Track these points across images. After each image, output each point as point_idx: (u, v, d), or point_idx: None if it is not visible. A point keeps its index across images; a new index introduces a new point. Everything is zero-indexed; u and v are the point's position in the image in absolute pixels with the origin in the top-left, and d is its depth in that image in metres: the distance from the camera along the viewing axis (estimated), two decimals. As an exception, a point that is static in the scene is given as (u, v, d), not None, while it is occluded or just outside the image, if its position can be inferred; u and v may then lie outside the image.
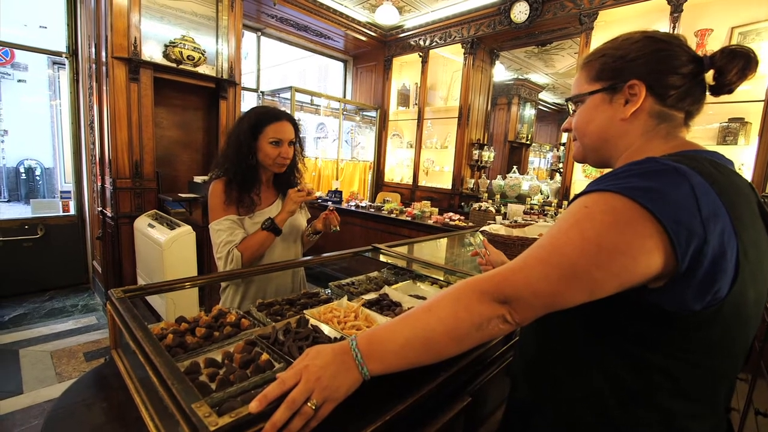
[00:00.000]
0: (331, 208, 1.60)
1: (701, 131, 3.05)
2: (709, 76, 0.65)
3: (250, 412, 0.55)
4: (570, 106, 0.76)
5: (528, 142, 6.90)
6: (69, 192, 4.00)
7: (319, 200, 4.54)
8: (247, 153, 1.44)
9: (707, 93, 0.66)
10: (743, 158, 2.87)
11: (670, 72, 0.63)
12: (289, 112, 3.38)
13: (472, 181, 4.73)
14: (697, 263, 0.50)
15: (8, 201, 7.48)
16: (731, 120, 2.91)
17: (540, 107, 7.43)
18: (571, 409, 0.64)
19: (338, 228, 1.60)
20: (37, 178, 7.60)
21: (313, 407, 0.56)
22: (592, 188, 0.56)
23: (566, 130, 0.78)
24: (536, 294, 0.55)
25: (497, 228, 1.64)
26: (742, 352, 0.60)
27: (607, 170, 0.65)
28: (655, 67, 0.63)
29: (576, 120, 0.74)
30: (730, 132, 2.91)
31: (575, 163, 3.69)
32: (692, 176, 0.51)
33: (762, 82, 2.72)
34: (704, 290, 0.51)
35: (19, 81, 7.37)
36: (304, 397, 0.56)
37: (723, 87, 0.64)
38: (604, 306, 0.55)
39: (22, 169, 7.39)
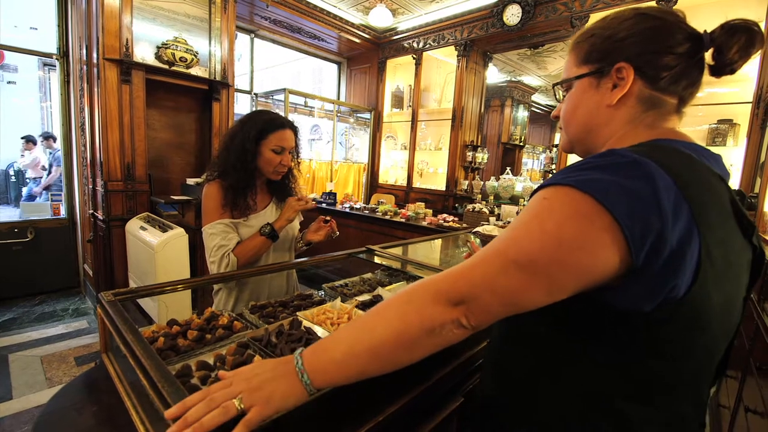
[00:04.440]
0: (328, 218, 1.63)
1: (690, 132, 3.05)
2: (708, 55, 0.58)
3: (166, 418, 0.53)
4: (559, 93, 0.71)
5: (521, 144, 6.96)
6: (59, 195, 3.95)
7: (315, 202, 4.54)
8: (250, 159, 1.44)
9: (708, 74, 0.60)
10: (732, 159, 2.91)
11: (663, 51, 0.57)
12: (283, 114, 3.37)
13: (466, 182, 4.75)
14: (653, 260, 0.46)
15: (-3, 204, 7.37)
16: (720, 122, 2.96)
17: (533, 109, 7.50)
18: (534, 410, 0.62)
19: (337, 232, 1.64)
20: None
21: (240, 407, 0.53)
22: (552, 181, 0.53)
23: (555, 117, 0.73)
24: (494, 291, 0.51)
25: (490, 229, 1.65)
26: (707, 359, 0.56)
27: None
28: (646, 46, 0.58)
29: (564, 107, 0.69)
30: (719, 133, 2.96)
31: (567, 165, 3.71)
32: (653, 169, 0.48)
33: (750, 84, 2.76)
34: (657, 290, 0.48)
35: (9, 82, 7.28)
36: (225, 396, 0.54)
37: (724, 67, 0.58)
38: (560, 305, 0.52)
39: (11, 172, 7.27)
